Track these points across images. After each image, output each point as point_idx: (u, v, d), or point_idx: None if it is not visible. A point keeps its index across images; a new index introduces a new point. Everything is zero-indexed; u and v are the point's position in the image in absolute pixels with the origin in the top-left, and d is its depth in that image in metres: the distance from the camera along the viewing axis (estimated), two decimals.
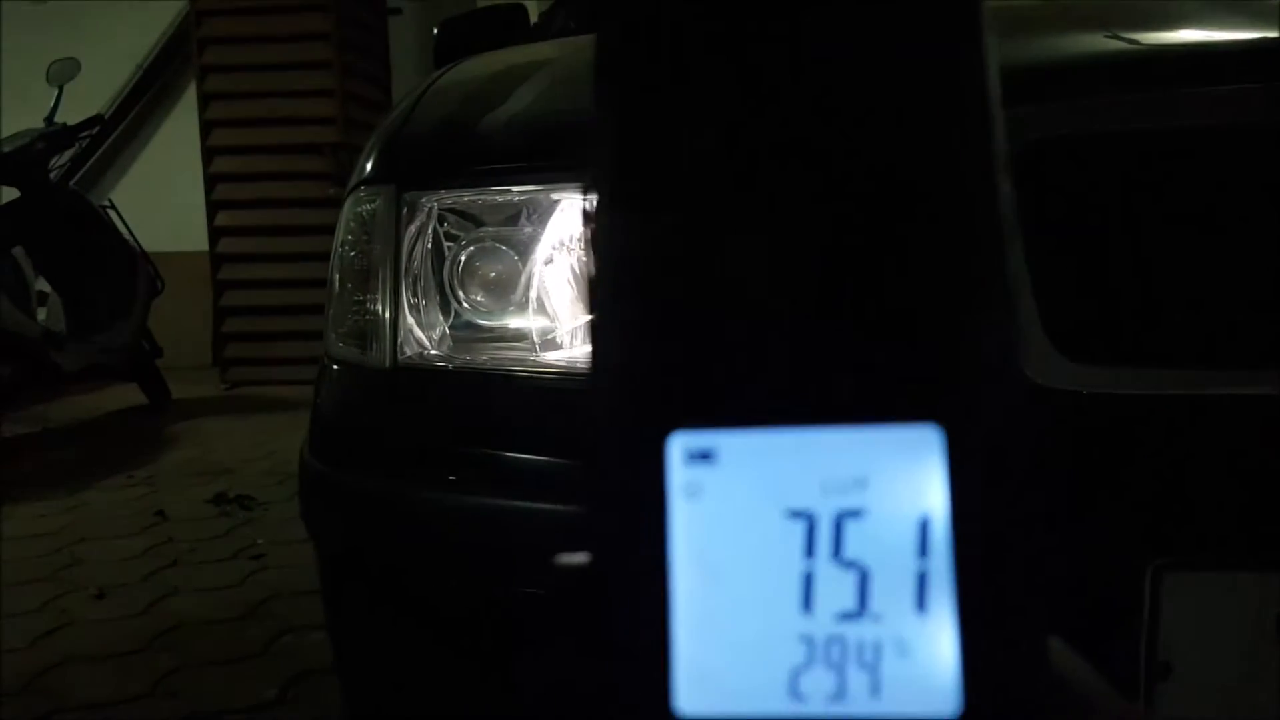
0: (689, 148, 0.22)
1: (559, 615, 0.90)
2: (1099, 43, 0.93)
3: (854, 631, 0.21)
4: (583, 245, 0.22)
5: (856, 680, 0.21)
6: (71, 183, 6.19)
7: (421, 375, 0.97)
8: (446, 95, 1.10)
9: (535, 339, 0.97)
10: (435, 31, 2.21)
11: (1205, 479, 0.74)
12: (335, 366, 1.06)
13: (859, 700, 0.21)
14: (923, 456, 0.21)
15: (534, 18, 2.41)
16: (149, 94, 7.08)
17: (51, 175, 5.27)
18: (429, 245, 0.99)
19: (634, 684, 0.21)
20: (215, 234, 6.17)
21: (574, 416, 0.93)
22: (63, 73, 5.06)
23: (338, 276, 1.10)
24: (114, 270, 5.18)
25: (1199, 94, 0.80)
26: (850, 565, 0.21)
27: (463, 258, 0.99)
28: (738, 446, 0.21)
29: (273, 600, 2.69)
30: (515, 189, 0.99)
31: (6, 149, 4.88)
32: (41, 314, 5.15)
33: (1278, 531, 0.69)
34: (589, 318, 0.22)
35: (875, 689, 0.21)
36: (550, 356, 0.97)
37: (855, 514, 0.21)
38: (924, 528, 0.21)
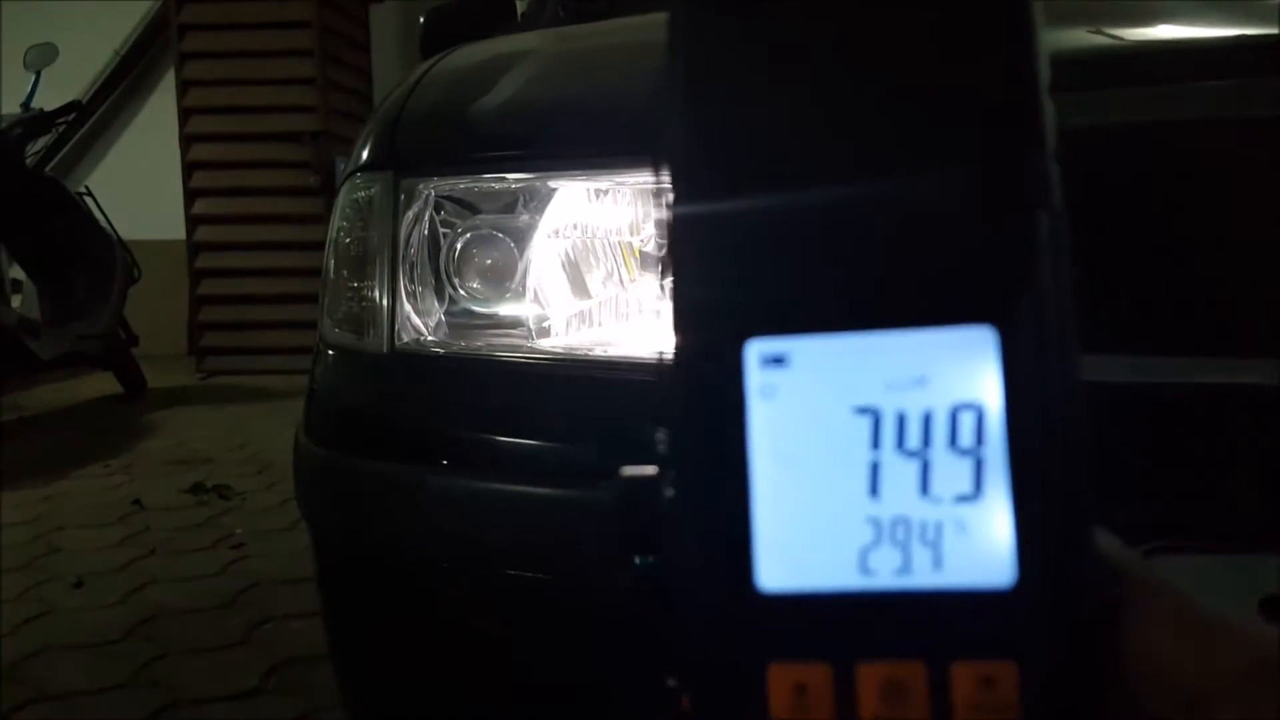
0: (760, 118, 0.24)
1: (554, 599, 0.91)
2: (1088, 38, 0.94)
3: (917, 513, 0.23)
4: (664, 180, 0.23)
5: (920, 556, 0.23)
6: (48, 169, 6.13)
7: (419, 361, 0.97)
8: (443, 82, 1.10)
9: (531, 326, 0.98)
10: (422, 20, 2.20)
11: (1193, 465, 0.76)
12: (331, 352, 1.06)
13: (922, 574, 0.23)
14: (979, 355, 0.22)
15: (520, 7, 2.41)
16: (127, 80, 7.01)
17: (28, 161, 5.21)
18: (425, 232, 1.00)
19: (720, 564, 0.23)
20: (193, 222, 6.13)
21: (569, 401, 0.94)
22: (40, 58, 5.00)
23: (332, 263, 1.10)
24: (91, 258, 5.13)
25: (1203, 88, 0.81)
26: (913, 455, 0.23)
27: (459, 245, 1.00)
28: (808, 350, 0.23)
29: (252, 589, 2.68)
30: (511, 176, 0.99)
31: None
32: (16, 301, 5.10)
33: (1260, 516, 0.71)
34: (668, 244, 0.24)
35: (937, 563, 0.23)
36: (546, 343, 0.98)
37: (917, 408, 0.23)
38: (980, 419, 0.22)
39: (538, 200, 0.99)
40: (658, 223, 1.04)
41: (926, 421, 0.23)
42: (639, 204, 0.98)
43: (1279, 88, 0.78)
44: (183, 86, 6.05)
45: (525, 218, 0.99)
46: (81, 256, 5.11)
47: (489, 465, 0.91)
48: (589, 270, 0.99)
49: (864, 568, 0.23)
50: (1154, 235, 0.84)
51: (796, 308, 0.23)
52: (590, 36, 1.28)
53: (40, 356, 4.66)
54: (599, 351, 0.96)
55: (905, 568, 0.23)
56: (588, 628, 0.87)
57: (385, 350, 0.97)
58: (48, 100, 5.13)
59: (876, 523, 0.23)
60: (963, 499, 0.23)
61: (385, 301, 0.98)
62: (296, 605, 2.50)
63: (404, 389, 0.97)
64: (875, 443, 0.23)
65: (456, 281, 0.99)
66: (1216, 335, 0.80)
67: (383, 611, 0.98)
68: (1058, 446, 0.22)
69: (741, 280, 0.23)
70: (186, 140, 6.06)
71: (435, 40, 2.06)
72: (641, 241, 0.99)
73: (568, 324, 0.98)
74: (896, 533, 0.23)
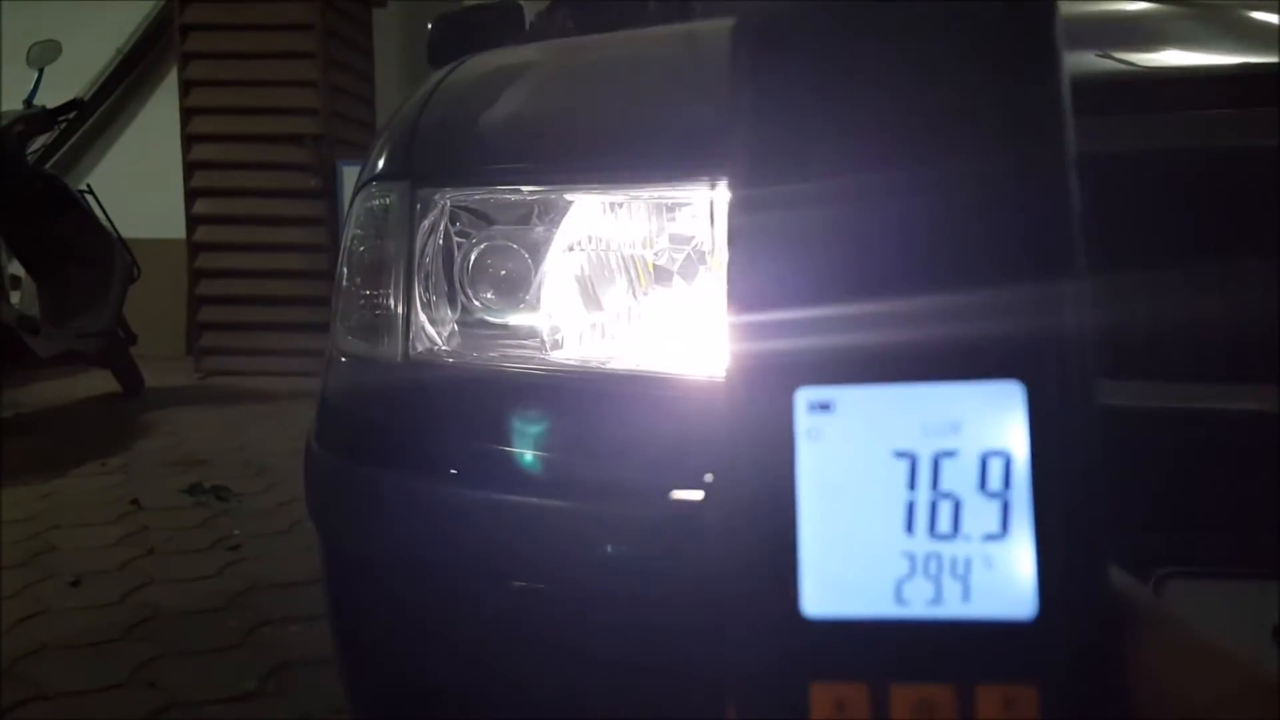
0: (809, 148, 0.26)
1: (563, 610, 0.91)
2: (1095, 62, 0.95)
3: (948, 549, 0.25)
4: (722, 235, 0.24)
5: (950, 588, 0.25)
6: (48, 166, 6.13)
7: (432, 370, 0.97)
8: (459, 93, 1.10)
9: (544, 337, 0.98)
10: (430, 27, 2.20)
11: (1206, 491, 0.76)
12: (344, 359, 1.06)
13: (952, 604, 0.25)
14: (1007, 407, 0.25)
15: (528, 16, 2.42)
16: (129, 79, 7.02)
17: (29, 158, 5.21)
18: (441, 242, 1.00)
19: (768, 590, 0.26)
20: (193, 222, 6.14)
21: (579, 414, 0.94)
22: (43, 55, 5.01)
23: (346, 271, 1.10)
24: (90, 256, 5.13)
25: (1207, 116, 0.82)
26: (945, 495, 0.25)
27: (474, 255, 1.00)
28: (852, 399, 0.26)
29: (251, 592, 2.68)
30: (526, 189, 1.00)
31: None
32: (15, 298, 5.09)
33: (1273, 542, 0.72)
34: (727, 296, 0.26)
35: (966, 595, 0.25)
36: (558, 355, 0.98)
37: (950, 454, 0.25)
38: (1007, 465, 0.25)
39: (553, 213, 0.99)
40: (672, 238, 1.05)
41: (959, 465, 0.25)
42: (653, 218, 0.98)
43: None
44: (185, 86, 6.06)
45: (540, 230, 1.00)
46: (81, 254, 5.11)
47: (498, 476, 0.92)
48: (602, 283, 0.99)
49: (899, 597, 0.25)
50: (1164, 260, 0.85)
51: (842, 361, 0.26)
52: (602, 49, 1.29)
53: (39, 354, 4.66)
54: (611, 364, 0.96)
55: (937, 598, 0.25)
56: (592, 638, 0.87)
57: (399, 359, 0.98)
58: (50, 98, 5.14)
59: (911, 557, 0.25)
60: (990, 537, 0.25)
61: (400, 310, 0.99)
62: (294, 609, 2.50)
63: (417, 398, 0.97)
64: (911, 484, 0.25)
65: (470, 292, 1.00)
66: (1228, 362, 0.81)
67: (391, 618, 0.98)
68: (1078, 490, 0.25)
69: (794, 335, 0.26)
70: (188, 140, 6.07)
71: (443, 48, 2.07)
72: (655, 255, 1.00)
73: (580, 336, 0.99)
74: (929, 566, 0.25)
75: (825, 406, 0.26)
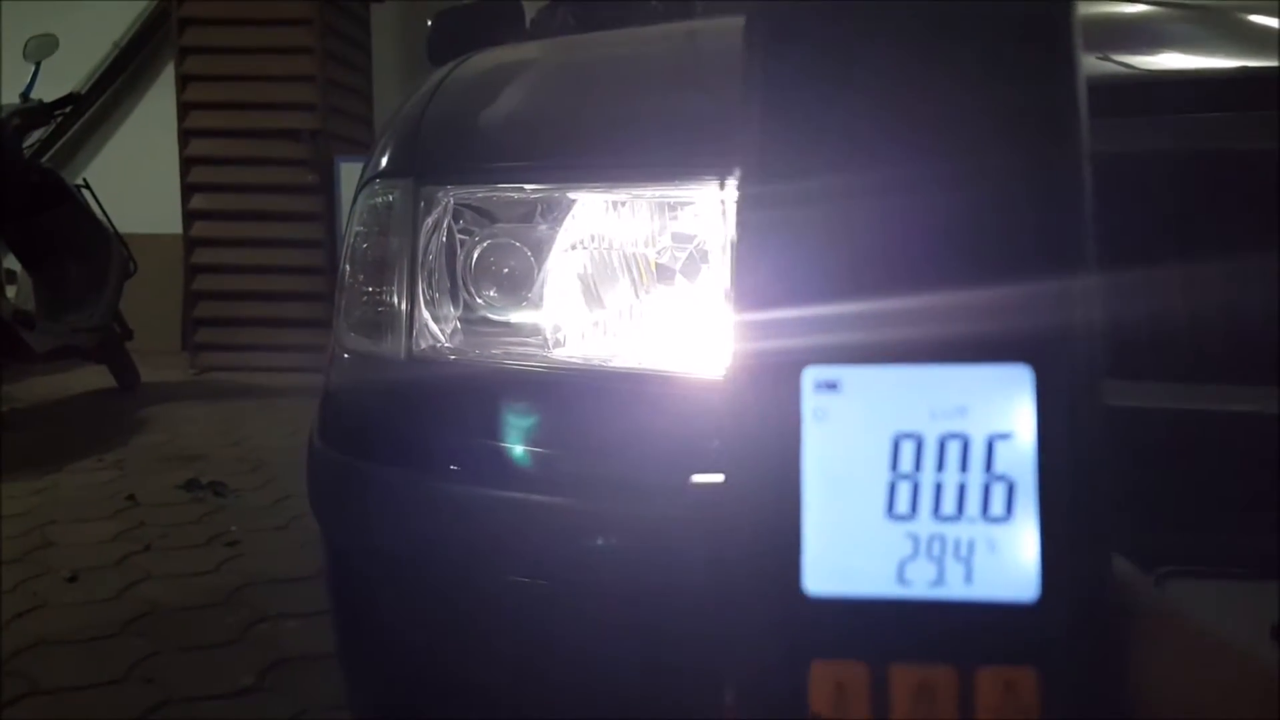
0: (822, 140, 0.26)
1: (564, 607, 0.91)
2: (1095, 65, 0.95)
3: (952, 531, 0.25)
4: (730, 218, 0.24)
5: (953, 570, 0.25)
6: (45, 160, 6.12)
7: (436, 367, 0.97)
8: (463, 90, 1.11)
9: (547, 335, 0.98)
10: (429, 23, 2.20)
11: (1206, 490, 0.77)
12: (347, 356, 1.07)
13: (955, 586, 0.25)
14: (1015, 390, 0.25)
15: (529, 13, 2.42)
16: (126, 73, 7.00)
17: (25, 152, 5.19)
18: (444, 239, 1.00)
19: (770, 568, 0.25)
20: (189, 217, 6.12)
21: (581, 411, 0.95)
22: (40, 49, 4.99)
23: (349, 267, 1.10)
24: (87, 250, 5.12)
25: (1203, 119, 0.83)
26: (951, 477, 0.25)
27: (477, 253, 1.00)
28: (859, 379, 0.26)
29: (248, 587, 2.68)
30: (530, 186, 1.00)
31: None
32: (11, 292, 5.08)
33: (1273, 541, 0.72)
34: (734, 276, 0.26)
35: (968, 577, 0.25)
36: (561, 353, 0.98)
37: (956, 436, 0.25)
38: (1014, 448, 0.25)
39: (556, 211, 0.99)
40: (675, 237, 1.05)
41: (965, 448, 0.25)
42: (655, 217, 0.99)
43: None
44: (182, 81, 6.04)
45: (543, 228, 1.00)
46: (77, 249, 5.10)
47: (501, 472, 0.92)
48: (605, 281, 0.99)
49: (901, 578, 0.25)
50: (1163, 261, 0.85)
51: (850, 341, 0.25)
52: (604, 47, 1.29)
53: (34, 349, 4.65)
54: (614, 362, 0.97)
55: (939, 580, 0.25)
56: (594, 634, 0.88)
57: (402, 356, 0.98)
58: (47, 92, 5.12)
59: (915, 538, 0.25)
60: (994, 519, 0.25)
61: (404, 307, 0.99)
62: (292, 605, 2.50)
63: (420, 395, 0.97)
64: (917, 465, 0.25)
65: (473, 289, 1.00)
66: (1227, 363, 0.81)
67: (392, 615, 0.98)
68: (1084, 476, 0.25)
69: (801, 314, 0.26)
70: (185, 135, 6.06)
71: (442, 45, 2.07)
72: (657, 254, 1.00)
73: (583, 334, 0.99)
74: (932, 548, 0.25)
75: (832, 386, 0.25)
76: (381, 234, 1.05)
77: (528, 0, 2.29)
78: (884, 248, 0.25)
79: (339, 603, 1.05)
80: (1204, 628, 0.25)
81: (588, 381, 0.95)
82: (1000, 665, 0.24)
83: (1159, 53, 1.08)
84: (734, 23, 0.27)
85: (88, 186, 5.33)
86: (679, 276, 0.98)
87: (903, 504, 0.25)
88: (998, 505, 0.25)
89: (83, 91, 6.40)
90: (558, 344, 0.99)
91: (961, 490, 0.25)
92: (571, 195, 0.98)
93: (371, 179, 1.07)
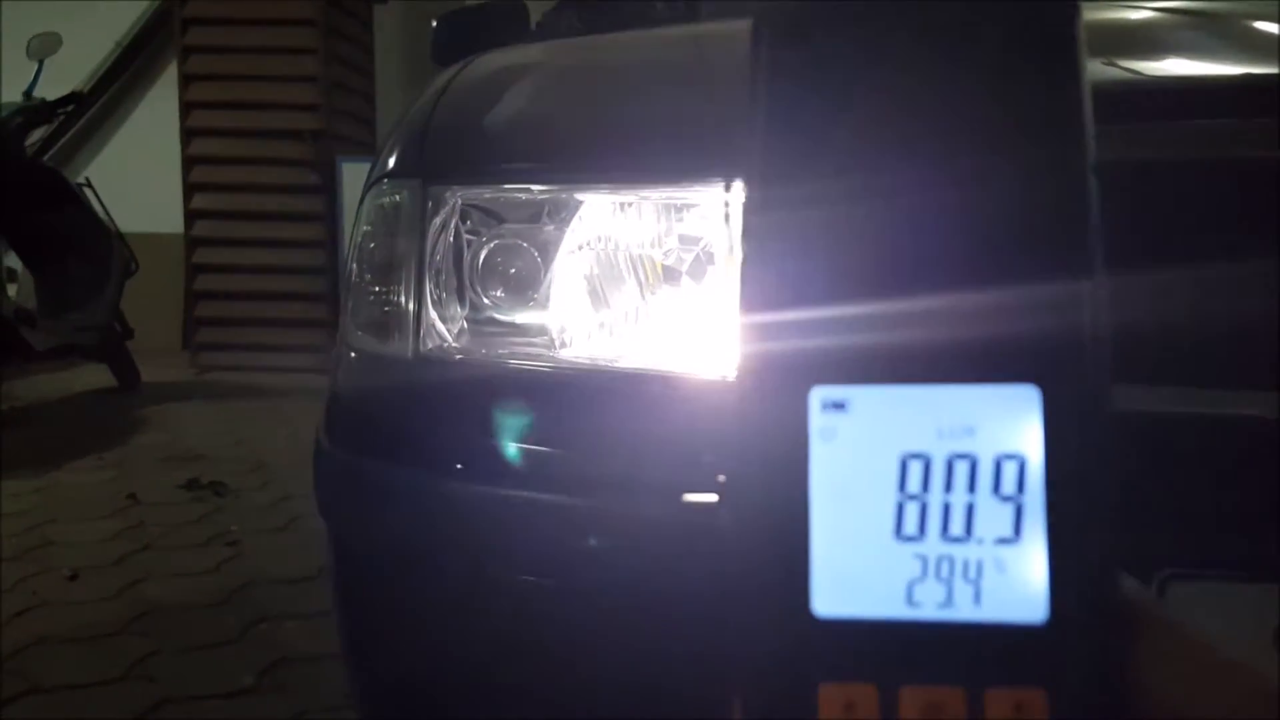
0: (827, 147, 0.26)
1: (571, 606, 0.92)
2: (1100, 70, 0.96)
3: (960, 552, 0.25)
4: (737, 235, 0.24)
5: (962, 591, 0.25)
6: (47, 158, 6.12)
7: (443, 367, 0.98)
8: (471, 91, 1.11)
9: (553, 335, 0.99)
10: (434, 24, 2.21)
11: (1209, 494, 0.77)
12: (353, 355, 1.07)
13: (964, 607, 0.25)
14: (1023, 411, 0.25)
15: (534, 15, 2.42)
16: (128, 72, 7.00)
17: (27, 150, 5.20)
18: (451, 240, 1.01)
19: (779, 589, 0.25)
20: (191, 216, 6.13)
21: (587, 411, 0.95)
22: (43, 47, 5.00)
23: (356, 267, 1.10)
24: (88, 249, 5.12)
25: (1208, 126, 0.83)
26: (959, 498, 0.25)
27: (484, 254, 1.01)
28: (866, 398, 0.25)
29: (249, 587, 2.68)
30: (537, 188, 1.00)
31: None
32: (12, 290, 5.08)
33: (1275, 545, 0.73)
34: (740, 293, 0.26)
35: (977, 599, 0.25)
36: (567, 353, 0.99)
37: (964, 456, 0.25)
38: (1022, 469, 0.25)
39: (563, 212, 1.00)
40: (681, 239, 1.06)
41: (972, 468, 0.25)
42: (661, 219, 0.99)
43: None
44: (184, 80, 6.05)
45: (550, 229, 1.00)
46: (79, 247, 5.10)
47: (507, 472, 0.92)
48: (611, 282, 1.00)
49: (910, 599, 0.25)
50: (1163, 266, 0.86)
51: (857, 360, 0.25)
52: (611, 49, 1.29)
53: (35, 347, 4.65)
54: (620, 363, 0.97)
55: (948, 601, 0.25)
56: (601, 634, 0.88)
57: (409, 356, 0.98)
58: (49, 90, 5.13)
59: (923, 559, 0.25)
60: (1002, 540, 0.25)
61: (411, 307, 0.99)
62: (293, 605, 2.50)
63: (427, 394, 0.98)
64: (925, 485, 0.25)
65: (480, 290, 1.00)
66: (1229, 367, 0.82)
67: (399, 613, 0.98)
68: (1091, 496, 0.25)
69: (808, 333, 0.26)
70: (187, 134, 6.06)
71: (447, 47, 2.07)
72: (664, 255, 1.00)
73: (589, 334, 0.99)
74: (941, 569, 0.25)
75: (839, 406, 0.25)
76: (389, 234, 1.05)
77: (532, 1, 2.29)
78: (890, 264, 0.25)
79: (345, 601, 1.06)
80: (1213, 643, 0.25)
81: (594, 382, 0.96)
82: (1009, 686, 0.24)
83: (1162, 59, 1.09)
84: (740, 26, 0.27)
85: (89, 185, 5.33)
86: (685, 278, 0.98)
87: (911, 525, 0.25)
88: (1006, 526, 0.25)
89: (85, 90, 6.40)
90: (564, 344, 0.99)
91: (969, 511, 0.25)
92: (578, 196, 0.98)
93: (379, 179, 1.08)
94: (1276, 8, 1.14)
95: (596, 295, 1.00)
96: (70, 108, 5.54)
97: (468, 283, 1.00)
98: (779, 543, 0.25)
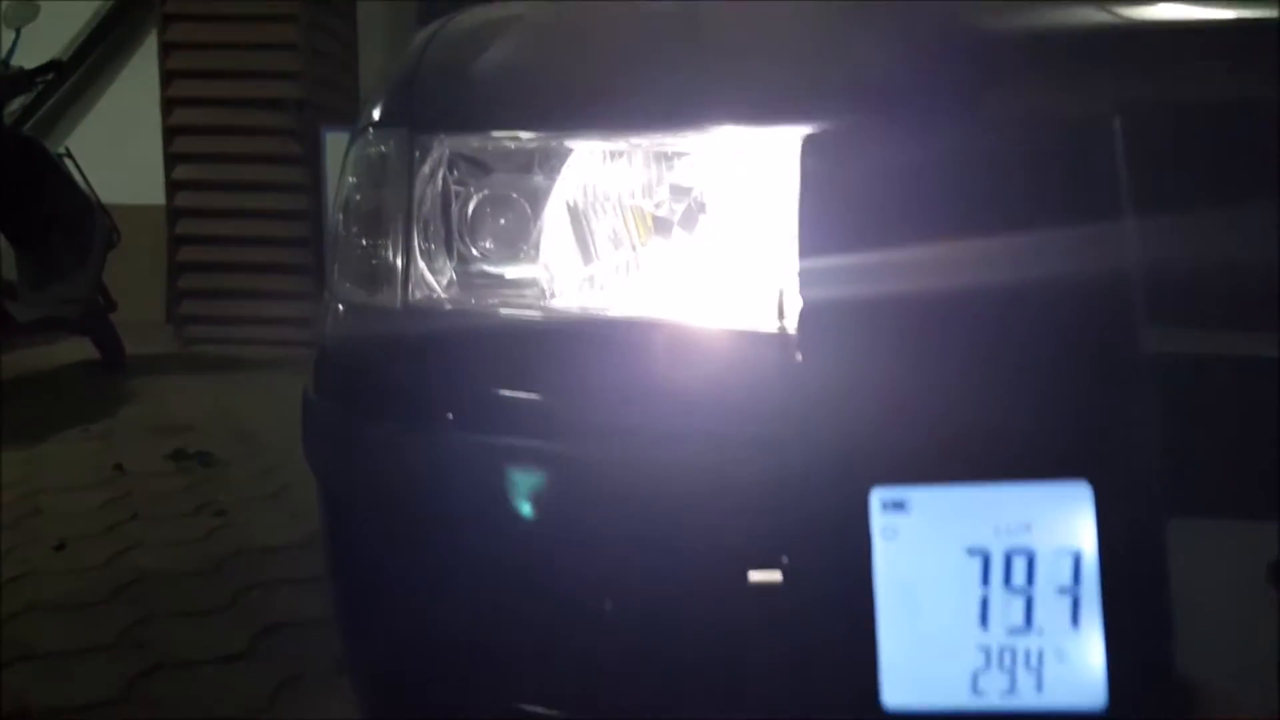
0: (873, 248, 0.26)
1: (565, 555, 0.92)
2: (1095, 15, 0.95)
3: (1021, 643, 0.25)
4: (791, 349, 0.25)
5: (1024, 680, 0.25)
6: (26, 128, 6.05)
7: (432, 318, 0.97)
8: (457, 41, 1.09)
9: (544, 286, 0.98)
10: None
11: (1204, 432, 0.77)
12: (341, 308, 1.06)
13: (1026, 695, 0.25)
14: (1075, 506, 0.25)
15: None
16: (108, 40, 6.91)
17: (5, 120, 5.13)
18: (439, 190, 0.99)
19: (849, 683, 0.25)
20: (173, 187, 6.06)
21: (579, 359, 0.94)
22: (21, 14, 4.93)
23: (342, 218, 1.09)
24: (70, 220, 5.07)
25: (1211, 67, 0.82)
26: (1018, 591, 0.25)
27: (473, 204, 0.99)
28: (926, 498, 0.26)
29: (238, 556, 2.67)
30: (525, 135, 0.99)
31: None
32: None
33: (1271, 482, 0.73)
34: (798, 395, 0.26)
35: (1039, 687, 0.25)
36: (558, 303, 0.98)
37: (1021, 551, 0.25)
38: (1077, 561, 0.25)
39: (552, 160, 0.99)
40: (673, 188, 1.05)
41: (1030, 563, 0.26)
42: (652, 167, 0.98)
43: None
44: (165, 49, 5.96)
45: (539, 178, 0.99)
46: (60, 218, 5.05)
47: (498, 421, 0.92)
48: (602, 232, 0.99)
49: (975, 689, 0.26)
50: (1169, 208, 0.85)
51: (915, 462, 0.26)
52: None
53: (17, 319, 4.61)
54: (610, 311, 0.96)
55: (1011, 690, 0.26)
56: (597, 583, 0.88)
57: (398, 307, 0.97)
58: (27, 59, 5.06)
59: (986, 650, 0.26)
60: (1061, 631, 0.25)
61: (399, 258, 0.98)
62: (284, 572, 2.50)
63: (416, 345, 0.97)
64: (985, 580, 0.26)
65: (469, 240, 0.99)
66: (1234, 308, 0.81)
67: (391, 564, 0.98)
68: (1145, 585, 0.25)
69: (867, 440, 0.26)
70: (168, 104, 5.99)
71: (433, 7, 2.05)
72: (655, 206, 0.99)
73: (579, 284, 0.98)
74: (1004, 659, 0.26)
75: (900, 506, 0.27)
76: (375, 185, 1.04)
77: None
78: (943, 368, 0.27)
79: (336, 555, 1.05)
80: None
81: (585, 330, 0.95)
82: None
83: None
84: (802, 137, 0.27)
85: (70, 155, 5.27)
86: (676, 227, 0.97)
87: (973, 618, 0.26)
88: (1064, 617, 0.26)
89: (65, 59, 6.31)
90: (554, 294, 0.99)
91: (1029, 603, 0.26)
92: (568, 144, 0.97)
93: (364, 129, 1.06)
94: None
95: (586, 245, 0.99)
96: (50, 76, 5.47)
97: (456, 233, 0.99)
98: (847, 637, 0.26)
